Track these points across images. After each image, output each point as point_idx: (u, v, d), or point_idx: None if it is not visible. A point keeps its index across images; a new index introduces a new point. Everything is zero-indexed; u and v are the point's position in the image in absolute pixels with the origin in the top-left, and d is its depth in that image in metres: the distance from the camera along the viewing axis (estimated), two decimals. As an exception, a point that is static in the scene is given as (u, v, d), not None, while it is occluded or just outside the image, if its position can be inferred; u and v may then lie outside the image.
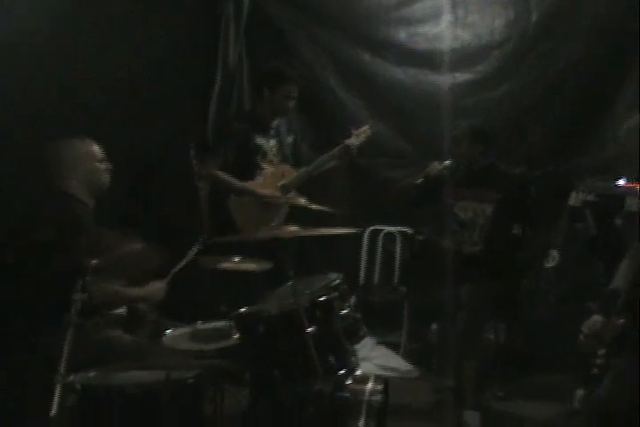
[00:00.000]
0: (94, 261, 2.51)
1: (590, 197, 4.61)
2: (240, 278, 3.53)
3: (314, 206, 3.21)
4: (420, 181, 4.16)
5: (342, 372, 2.80)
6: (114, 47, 4.04)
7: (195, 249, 3.24)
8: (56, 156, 3.10)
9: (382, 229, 5.23)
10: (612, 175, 4.63)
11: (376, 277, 5.22)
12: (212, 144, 4.61)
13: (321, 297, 2.84)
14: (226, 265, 3.26)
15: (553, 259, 4.82)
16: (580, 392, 4.00)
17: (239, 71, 5.20)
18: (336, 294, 2.93)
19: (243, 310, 2.96)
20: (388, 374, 4.21)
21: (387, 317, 4.77)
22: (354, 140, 4.33)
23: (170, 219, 4.42)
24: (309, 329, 2.68)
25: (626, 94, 4.94)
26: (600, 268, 4.38)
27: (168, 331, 3.13)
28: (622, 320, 2.86)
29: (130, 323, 3.14)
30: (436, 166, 4.16)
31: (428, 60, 5.18)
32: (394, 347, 4.77)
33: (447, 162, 4.17)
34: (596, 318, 2.98)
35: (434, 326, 4.82)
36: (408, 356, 4.73)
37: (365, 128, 4.44)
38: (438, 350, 4.64)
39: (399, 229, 5.20)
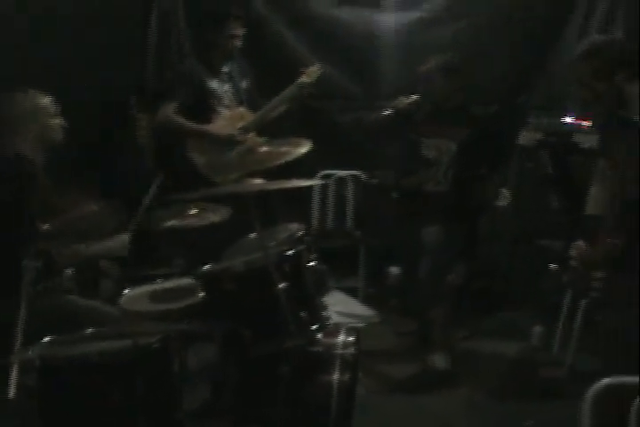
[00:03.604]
0: (47, 225, 2.32)
1: (539, 136, 4.58)
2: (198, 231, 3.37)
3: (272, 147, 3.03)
4: (387, 112, 4.03)
5: (314, 327, 2.71)
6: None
7: (151, 193, 3.05)
8: (3, 110, 2.86)
9: (333, 174, 5.10)
10: (558, 112, 4.61)
11: (329, 223, 5.12)
12: (164, 89, 4.46)
13: (289, 251, 2.72)
14: (181, 221, 3.13)
15: (505, 198, 4.81)
16: (537, 329, 4.05)
17: (174, 13, 4.93)
18: (303, 246, 2.82)
19: (207, 267, 2.82)
20: (349, 320, 4.16)
21: (342, 262, 4.69)
22: (305, 79, 4.22)
23: (123, 173, 4.25)
24: (281, 286, 2.57)
25: (572, 30, 4.90)
26: (555, 206, 4.39)
27: (125, 291, 2.99)
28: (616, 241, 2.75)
29: (85, 285, 2.98)
30: (402, 101, 4.05)
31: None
32: (351, 292, 4.72)
33: (414, 96, 4.05)
34: (580, 243, 2.93)
35: (391, 270, 4.80)
36: (366, 301, 4.70)
37: (316, 67, 4.37)
38: (401, 294, 4.63)
39: (351, 173, 5.09)
